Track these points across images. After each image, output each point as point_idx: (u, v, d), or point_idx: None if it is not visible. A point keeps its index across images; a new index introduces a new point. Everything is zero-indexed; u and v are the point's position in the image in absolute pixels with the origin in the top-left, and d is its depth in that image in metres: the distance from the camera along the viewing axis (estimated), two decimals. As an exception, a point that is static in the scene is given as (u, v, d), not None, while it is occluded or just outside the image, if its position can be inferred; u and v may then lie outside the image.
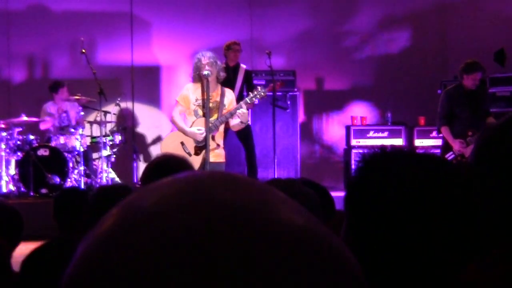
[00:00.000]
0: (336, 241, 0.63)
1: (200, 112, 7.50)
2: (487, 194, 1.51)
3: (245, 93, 9.32)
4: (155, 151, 11.10)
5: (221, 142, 7.55)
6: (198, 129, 7.41)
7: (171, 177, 0.66)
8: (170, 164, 3.59)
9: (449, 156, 8.64)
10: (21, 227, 3.58)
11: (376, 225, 1.25)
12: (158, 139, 11.17)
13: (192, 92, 7.53)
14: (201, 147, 7.41)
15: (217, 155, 7.41)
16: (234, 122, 7.50)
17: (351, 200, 1.30)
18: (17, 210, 3.56)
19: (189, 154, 7.35)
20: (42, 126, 9.97)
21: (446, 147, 8.71)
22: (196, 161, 7.28)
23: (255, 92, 7.69)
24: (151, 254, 0.57)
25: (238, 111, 7.33)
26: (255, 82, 10.55)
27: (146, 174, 3.60)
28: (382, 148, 1.33)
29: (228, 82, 9.27)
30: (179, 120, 7.58)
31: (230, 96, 7.63)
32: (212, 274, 0.56)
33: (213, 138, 7.39)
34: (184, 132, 7.50)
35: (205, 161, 7.24)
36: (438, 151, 9.27)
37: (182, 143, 7.50)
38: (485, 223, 1.27)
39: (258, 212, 0.60)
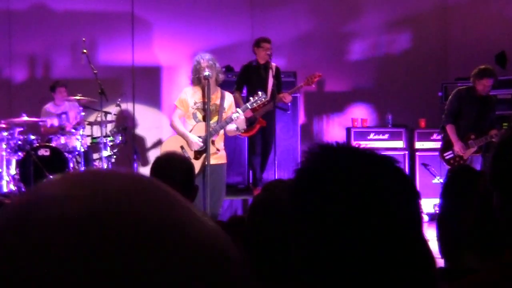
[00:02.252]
0: (223, 240, 0.65)
1: (199, 116, 7.46)
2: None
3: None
4: (155, 152, 11.10)
5: (221, 146, 7.52)
6: (199, 136, 7.37)
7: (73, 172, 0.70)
8: (173, 162, 3.62)
9: (448, 155, 8.65)
10: None
11: (317, 221, 1.25)
12: (158, 140, 11.18)
13: (190, 95, 7.49)
14: (201, 151, 7.39)
15: (217, 157, 7.39)
16: (230, 127, 7.47)
17: (296, 194, 1.31)
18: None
19: (189, 159, 7.33)
20: (43, 129, 9.99)
21: (446, 145, 8.72)
22: (196, 165, 7.25)
23: (256, 98, 7.68)
24: (30, 243, 0.59)
25: (233, 115, 7.30)
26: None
27: (150, 174, 3.65)
28: (324, 144, 1.33)
29: (260, 80, 9.27)
30: (179, 124, 7.54)
31: (230, 99, 7.60)
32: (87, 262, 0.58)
33: (212, 142, 7.37)
34: (184, 136, 7.45)
35: (205, 165, 7.21)
36: (437, 153, 9.27)
37: (182, 147, 7.47)
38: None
39: (143, 207, 0.62)
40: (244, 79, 9.43)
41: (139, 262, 0.59)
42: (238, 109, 7.40)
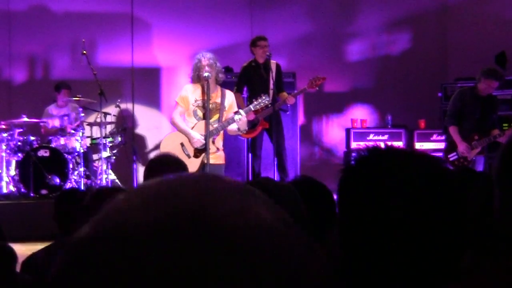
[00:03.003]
0: (303, 248, 0.65)
1: (200, 113, 7.48)
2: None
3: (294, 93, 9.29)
4: (155, 152, 11.10)
5: (221, 145, 7.54)
6: (201, 135, 7.37)
7: (152, 180, 0.69)
8: (167, 164, 3.62)
9: (452, 156, 8.62)
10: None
11: (368, 224, 1.24)
12: (158, 141, 11.16)
13: (191, 93, 7.52)
14: (201, 150, 7.40)
15: (216, 157, 7.41)
16: (231, 127, 7.49)
17: (342, 198, 1.30)
18: None
19: (188, 156, 7.34)
20: (43, 130, 10.01)
21: (450, 147, 8.68)
22: (195, 163, 7.26)
23: (259, 100, 7.69)
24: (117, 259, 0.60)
25: (236, 117, 7.32)
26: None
27: (144, 175, 3.63)
28: (375, 147, 1.32)
29: (261, 80, 9.20)
30: (180, 121, 7.55)
31: (230, 97, 7.62)
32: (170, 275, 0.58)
33: (213, 142, 7.38)
34: (186, 133, 7.46)
35: (204, 163, 7.22)
36: (439, 154, 9.26)
37: (182, 144, 7.48)
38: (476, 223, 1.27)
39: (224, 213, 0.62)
40: (244, 79, 9.37)
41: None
42: (240, 111, 7.41)
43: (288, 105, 9.54)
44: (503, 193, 1.51)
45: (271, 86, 9.12)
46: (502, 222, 1.53)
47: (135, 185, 10.61)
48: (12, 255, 2.80)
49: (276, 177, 9.19)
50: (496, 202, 1.53)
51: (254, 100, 7.82)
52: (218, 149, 7.44)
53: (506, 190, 1.51)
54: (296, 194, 2.43)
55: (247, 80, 9.34)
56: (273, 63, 9.28)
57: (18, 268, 3.18)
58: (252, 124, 8.97)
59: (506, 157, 1.55)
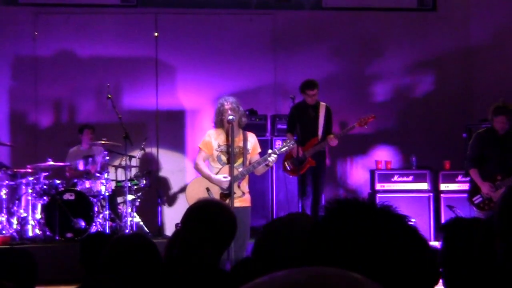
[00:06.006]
0: None
1: (224, 158, 7.47)
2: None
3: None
4: (179, 195, 11.11)
5: (246, 189, 7.50)
6: (224, 176, 7.37)
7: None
8: (211, 209, 3.52)
9: (477, 199, 8.49)
10: (34, 270, 3.53)
11: None
12: (182, 183, 11.19)
13: (214, 138, 7.52)
14: (227, 194, 7.37)
15: (242, 200, 7.37)
16: (259, 167, 7.49)
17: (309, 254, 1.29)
18: (29, 253, 3.52)
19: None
20: (69, 173, 10.08)
21: (474, 190, 8.56)
22: (221, 208, 7.23)
23: (284, 144, 7.70)
24: None
25: (269, 158, 7.32)
26: (279, 127, 10.57)
27: (187, 217, 3.47)
28: (342, 200, 1.31)
29: (310, 120, 9.30)
30: (204, 166, 7.55)
31: (252, 140, 7.61)
32: None
33: (238, 186, 7.36)
34: (210, 179, 7.45)
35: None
36: (464, 195, 9.17)
37: (208, 189, 7.46)
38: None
39: None
40: (295, 119, 9.20)
41: None
42: (272, 153, 7.41)
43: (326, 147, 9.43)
44: (506, 244, 1.49)
45: (321, 126, 9.20)
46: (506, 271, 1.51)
47: (159, 226, 10.59)
48: None
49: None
50: (499, 251, 1.51)
51: (278, 143, 7.85)
52: (243, 193, 7.42)
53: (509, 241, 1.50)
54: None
55: (297, 119, 9.21)
56: (322, 105, 9.38)
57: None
58: (299, 162, 8.97)
59: (505, 211, 1.53)
